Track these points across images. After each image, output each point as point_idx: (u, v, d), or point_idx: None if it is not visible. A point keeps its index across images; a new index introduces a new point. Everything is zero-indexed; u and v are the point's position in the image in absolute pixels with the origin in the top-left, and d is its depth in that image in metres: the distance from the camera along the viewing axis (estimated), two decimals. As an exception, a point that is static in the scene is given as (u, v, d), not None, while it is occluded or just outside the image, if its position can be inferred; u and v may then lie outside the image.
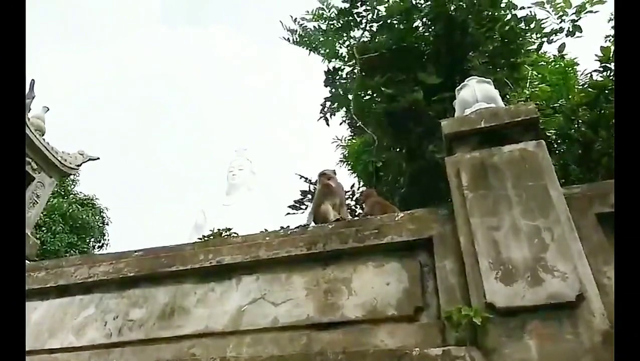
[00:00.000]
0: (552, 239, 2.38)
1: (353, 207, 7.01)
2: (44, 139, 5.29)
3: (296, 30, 7.48)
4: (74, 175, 19.85)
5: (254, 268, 2.99)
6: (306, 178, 7.50)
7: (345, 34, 7.39)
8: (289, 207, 7.38)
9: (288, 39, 7.58)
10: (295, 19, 7.40)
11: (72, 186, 19.62)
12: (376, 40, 7.04)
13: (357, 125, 8.20)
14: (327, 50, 7.53)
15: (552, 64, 7.65)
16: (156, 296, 3.11)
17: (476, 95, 3.46)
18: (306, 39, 7.51)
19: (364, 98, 7.45)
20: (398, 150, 7.44)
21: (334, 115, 7.93)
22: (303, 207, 7.37)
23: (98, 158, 5.91)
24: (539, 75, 6.93)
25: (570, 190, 2.69)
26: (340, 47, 7.51)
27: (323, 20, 7.42)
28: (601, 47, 5.15)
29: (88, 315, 3.19)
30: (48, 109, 5.61)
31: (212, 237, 4.21)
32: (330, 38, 7.51)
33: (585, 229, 2.44)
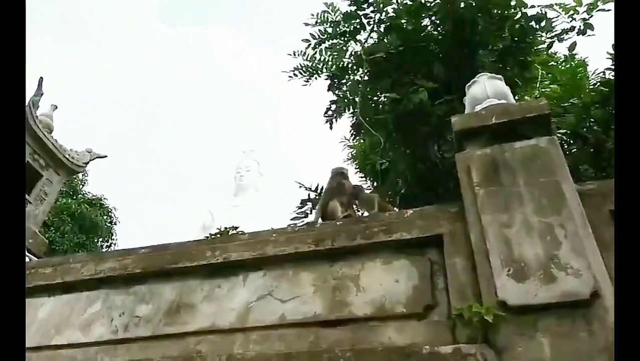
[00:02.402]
0: (565, 236, 2.33)
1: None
2: (52, 137, 5.31)
3: (300, 67, 7.49)
4: (83, 175, 20.00)
5: (261, 265, 2.96)
6: (306, 187, 7.30)
7: (351, 41, 7.36)
8: (292, 219, 7.21)
9: (295, 74, 7.57)
10: (294, 52, 7.45)
11: (81, 186, 19.76)
12: (384, 40, 7.01)
13: (363, 126, 8.16)
14: (333, 60, 7.48)
15: (563, 64, 7.58)
16: (162, 292, 3.09)
17: (487, 91, 3.42)
18: (309, 62, 7.49)
19: (371, 101, 7.41)
20: (404, 150, 7.38)
21: (339, 117, 7.89)
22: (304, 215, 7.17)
23: (105, 157, 5.92)
24: (549, 75, 6.85)
25: (584, 187, 2.64)
26: (345, 56, 7.47)
27: (329, 24, 7.41)
28: (613, 44, 5.07)
29: (94, 311, 3.17)
30: (56, 107, 5.63)
31: (218, 235, 4.18)
32: (336, 40, 7.48)
33: (599, 226, 2.39)
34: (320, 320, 2.62)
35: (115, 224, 19.29)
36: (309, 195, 7.13)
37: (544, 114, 2.94)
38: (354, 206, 3.40)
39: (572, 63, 6.92)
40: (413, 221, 2.80)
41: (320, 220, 3.44)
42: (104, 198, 19.58)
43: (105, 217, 19.06)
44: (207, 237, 4.08)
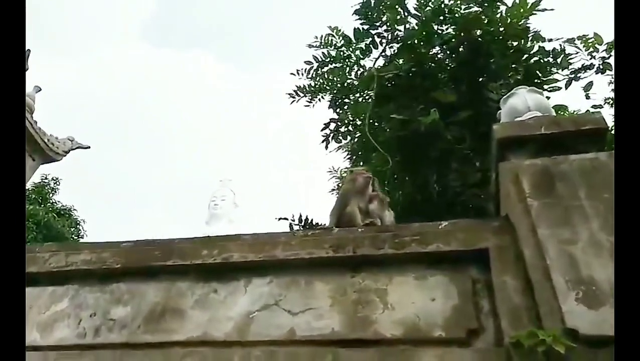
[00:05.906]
0: (643, 258, 1.96)
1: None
2: (31, 117, 4.76)
3: (302, 87, 7.28)
4: (55, 183, 19.13)
5: (267, 270, 2.51)
6: (285, 218, 6.67)
7: (355, 65, 7.16)
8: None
9: (296, 92, 7.34)
10: (298, 70, 7.31)
11: (51, 194, 18.92)
12: (395, 62, 6.81)
13: (359, 153, 7.85)
14: (336, 80, 7.25)
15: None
16: (145, 293, 2.59)
17: (528, 103, 3.12)
18: (312, 84, 7.29)
19: (375, 124, 7.14)
20: (404, 178, 7.07)
21: (338, 137, 7.62)
22: None
23: (89, 147, 5.37)
24: (560, 113, 6.68)
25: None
26: (350, 76, 7.26)
27: (332, 47, 7.21)
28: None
29: (59, 309, 2.64)
30: (40, 89, 5.12)
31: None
32: (340, 64, 7.27)
33: (683, 250, 2.03)
34: (339, 339, 2.17)
35: (82, 237, 18.41)
36: (290, 226, 6.58)
37: (600, 128, 2.65)
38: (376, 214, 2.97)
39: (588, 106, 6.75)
40: (452, 233, 2.41)
41: (335, 229, 3.00)
42: (74, 209, 18.74)
43: (72, 229, 18.19)
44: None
